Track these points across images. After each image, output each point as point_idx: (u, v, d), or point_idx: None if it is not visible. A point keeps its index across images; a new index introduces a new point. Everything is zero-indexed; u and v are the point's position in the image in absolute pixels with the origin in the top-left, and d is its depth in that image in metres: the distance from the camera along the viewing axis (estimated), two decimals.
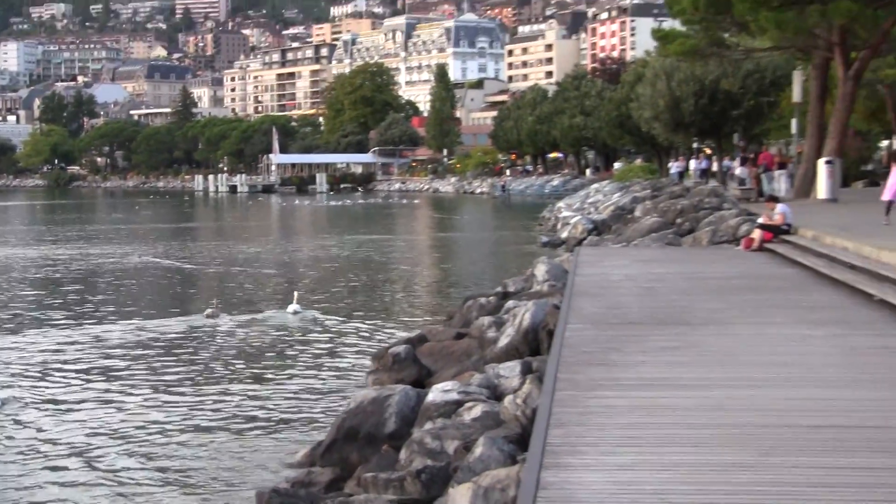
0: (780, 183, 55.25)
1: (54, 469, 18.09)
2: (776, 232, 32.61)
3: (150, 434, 20.26)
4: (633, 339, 16.83)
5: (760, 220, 34.14)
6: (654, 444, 10.63)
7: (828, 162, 49.53)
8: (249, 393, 23.81)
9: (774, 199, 36.00)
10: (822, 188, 48.92)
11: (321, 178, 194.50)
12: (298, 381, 25.10)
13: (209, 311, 35.01)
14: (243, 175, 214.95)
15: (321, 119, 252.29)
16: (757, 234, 33.06)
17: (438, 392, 15.62)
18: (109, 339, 31.41)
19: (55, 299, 42.18)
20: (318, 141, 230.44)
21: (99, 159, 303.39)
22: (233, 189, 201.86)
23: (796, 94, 59.48)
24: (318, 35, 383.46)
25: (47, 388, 24.98)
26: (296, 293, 37.42)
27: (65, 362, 27.96)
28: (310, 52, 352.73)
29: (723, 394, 12.83)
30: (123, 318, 35.86)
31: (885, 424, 11.20)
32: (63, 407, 22.89)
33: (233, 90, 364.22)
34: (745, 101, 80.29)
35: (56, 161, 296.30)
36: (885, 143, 75.92)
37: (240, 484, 16.32)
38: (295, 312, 35.40)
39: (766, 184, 55.68)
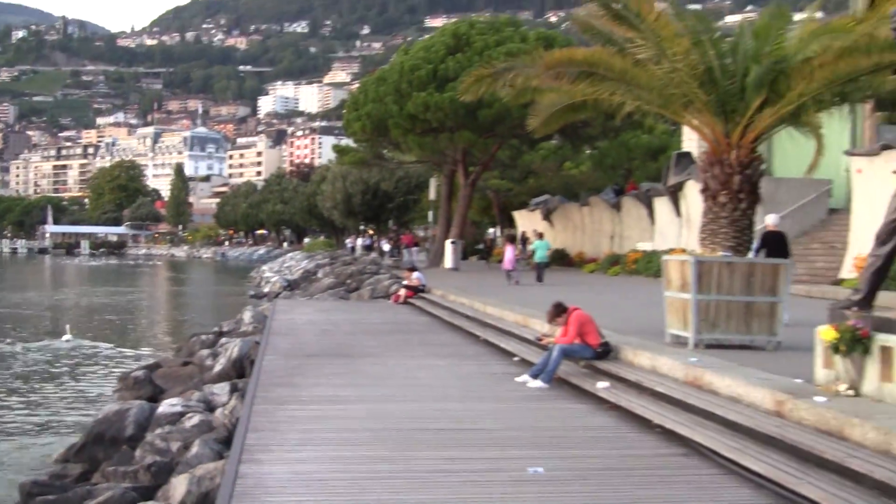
0: (414, 256, 56.14)
1: None
2: (415, 291, 33.15)
3: None
4: (312, 367, 16.81)
5: (405, 283, 34.66)
6: (324, 443, 10.65)
7: (452, 242, 50.58)
8: (20, 404, 22.86)
9: (413, 269, 36.51)
10: (448, 260, 49.79)
11: (85, 244, 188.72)
12: (60, 394, 24.12)
13: None
14: (24, 240, 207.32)
15: (87, 200, 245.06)
16: (402, 292, 33.54)
17: (167, 405, 15.39)
18: None
19: None
20: (84, 216, 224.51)
21: None
22: (14, 251, 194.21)
23: (432, 194, 60.84)
24: (86, 137, 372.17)
25: None
26: (68, 326, 36.16)
27: None
28: (79, 150, 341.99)
29: (375, 406, 12.93)
30: None
31: (486, 427, 11.49)
32: None
33: (17, 176, 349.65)
34: (398, 198, 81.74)
35: None
36: (491, 230, 77.89)
37: (6, 478, 15.57)
38: (67, 341, 34.09)
39: (406, 256, 56.55)
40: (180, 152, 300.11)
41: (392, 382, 15.29)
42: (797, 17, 19.78)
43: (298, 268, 71.18)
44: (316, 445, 10.58)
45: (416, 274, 34.88)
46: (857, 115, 32.45)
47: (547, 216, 57.01)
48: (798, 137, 17.24)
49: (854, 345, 9.64)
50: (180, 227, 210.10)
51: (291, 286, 53.55)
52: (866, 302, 10.44)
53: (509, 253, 37.87)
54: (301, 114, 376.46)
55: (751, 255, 16.35)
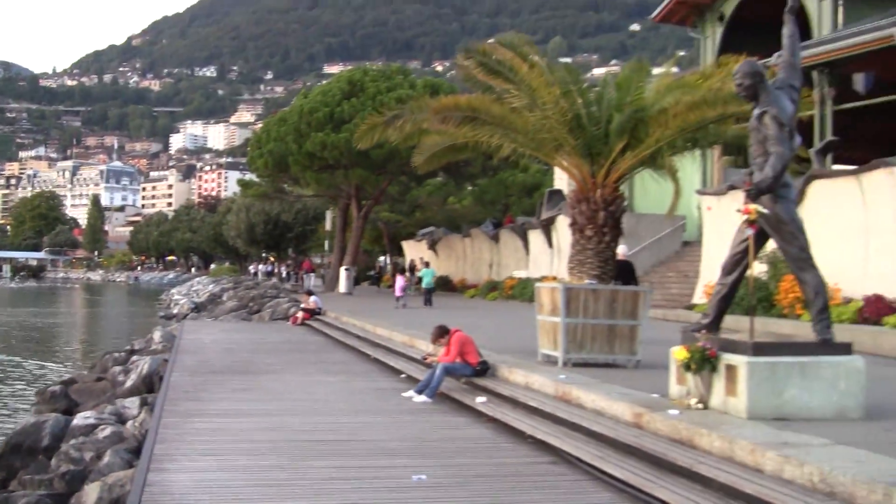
0: (311, 281, 56.02)
1: None
2: (312, 313, 32.91)
3: None
4: (216, 383, 16.56)
5: (303, 305, 34.40)
6: (226, 453, 10.47)
7: (346, 269, 50.62)
8: None
9: (310, 293, 36.29)
10: (342, 285, 49.75)
11: (6, 268, 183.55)
12: None
13: None
14: None
15: (8, 227, 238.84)
16: (300, 314, 33.27)
17: (81, 418, 14.99)
18: None
19: None
20: (6, 242, 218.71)
21: None
22: None
23: (328, 224, 60.71)
24: (9, 169, 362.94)
25: None
26: None
27: None
28: (2, 181, 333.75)
29: (274, 419, 12.76)
30: None
31: (375, 438, 11.41)
32: None
33: None
34: (297, 228, 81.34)
35: None
36: (382, 258, 77.86)
37: None
38: None
39: (304, 282, 56.40)
40: (97, 184, 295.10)
41: (289, 397, 15.12)
42: (656, 71, 20.17)
43: (205, 291, 70.38)
44: (219, 455, 10.39)
45: (312, 297, 34.67)
46: (707, 158, 33.20)
47: (432, 246, 57.17)
48: (656, 177, 17.53)
49: (703, 364, 9.80)
50: (96, 252, 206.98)
51: (198, 308, 52.85)
52: (714, 325, 10.63)
53: (400, 282, 38.77)
54: (209, 150, 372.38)
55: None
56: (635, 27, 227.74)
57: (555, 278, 23.42)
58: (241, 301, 48.22)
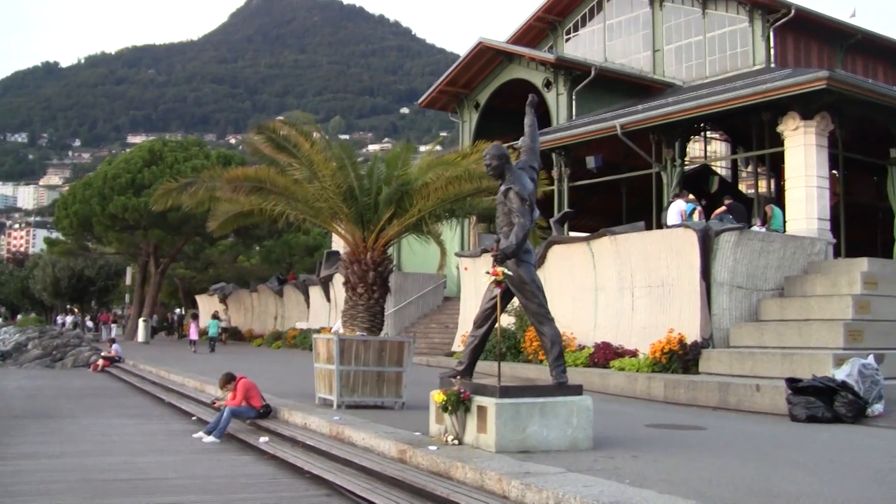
0: (112, 331, 54.23)
1: None
2: (112, 361, 31.50)
3: None
4: (18, 427, 15.50)
5: (103, 353, 32.90)
6: (24, 494, 9.67)
7: (144, 320, 49.22)
8: None
9: (111, 341, 34.82)
10: (140, 335, 48.27)
11: None
12: None
13: None
14: None
15: None
16: (101, 361, 31.81)
17: None
18: None
19: None
20: None
21: None
22: None
23: (128, 280, 58.83)
24: None
25: None
26: None
27: None
28: None
29: (72, 461, 11.98)
30: None
31: (167, 476, 10.89)
32: None
33: None
34: (99, 282, 78.13)
35: None
36: (178, 310, 75.66)
37: None
38: None
39: (105, 332, 54.51)
40: None
41: (88, 439, 14.27)
42: (423, 148, 20.38)
43: (11, 340, 66.00)
44: (16, 496, 9.60)
45: (113, 346, 33.25)
46: (464, 225, 33.84)
47: (223, 300, 55.92)
48: (421, 240, 17.69)
49: (458, 405, 9.85)
50: None
51: (4, 356, 49.64)
52: (467, 371, 10.71)
53: (192, 328, 40.88)
54: (19, 210, 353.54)
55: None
56: (405, 110, 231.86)
57: (331, 330, 23.28)
58: (45, 349, 45.56)
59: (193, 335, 40.94)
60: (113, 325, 57.49)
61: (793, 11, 32.47)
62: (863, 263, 19.27)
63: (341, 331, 16.91)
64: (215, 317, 42.61)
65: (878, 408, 13.63)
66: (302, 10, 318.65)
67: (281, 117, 18.58)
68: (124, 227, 47.86)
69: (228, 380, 15.04)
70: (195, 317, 53.63)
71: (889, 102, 23.31)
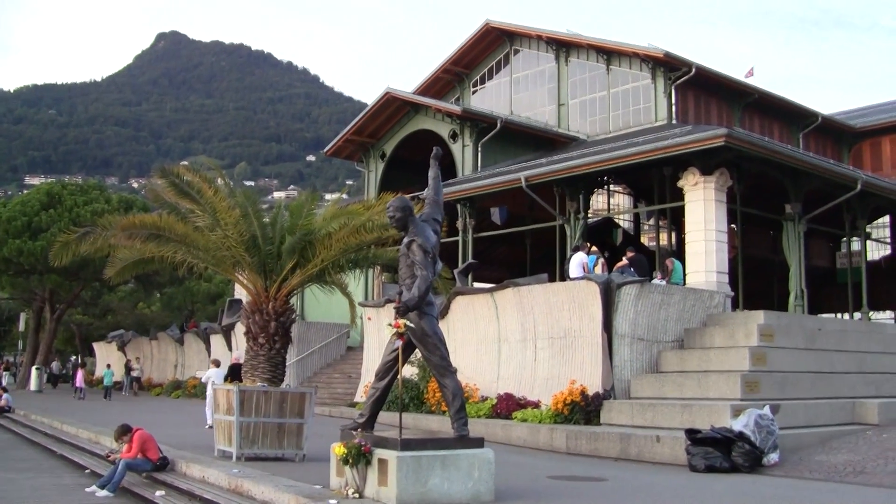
0: (3, 380, 52.46)
1: None
2: (1, 411, 30.44)
3: None
4: None
5: None
6: None
7: (37, 368, 48.18)
8: None
9: (5, 390, 33.71)
10: (33, 384, 47.02)
11: None
12: None
13: None
14: None
15: None
16: None
17: None
18: None
19: None
20: None
21: None
22: None
23: (21, 326, 57.26)
24: None
25: None
26: None
27: None
28: None
29: None
30: None
31: None
32: None
33: None
34: None
35: None
36: (73, 357, 73.67)
37: None
38: None
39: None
40: None
41: None
42: (330, 196, 20.39)
43: None
44: None
45: (4, 395, 32.14)
46: (368, 275, 33.78)
47: (122, 347, 54.64)
48: (324, 290, 17.62)
49: (359, 458, 9.78)
50: None
51: None
52: (369, 423, 10.65)
53: (79, 375, 42.22)
54: None
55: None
56: (311, 158, 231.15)
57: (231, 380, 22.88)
58: None
59: (79, 382, 41.76)
60: (4, 373, 55.52)
61: (693, 70, 33.56)
62: (759, 316, 19.83)
63: (214, 380, 16.68)
64: (109, 367, 42.80)
65: (773, 457, 13.97)
66: (209, 54, 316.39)
67: (185, 162, 18.44)
68: (19, 272, 46.80)
69: (124, 431, 14.67)
70: (83, 365, 53.17)
71: (783, 160, 24.19)
